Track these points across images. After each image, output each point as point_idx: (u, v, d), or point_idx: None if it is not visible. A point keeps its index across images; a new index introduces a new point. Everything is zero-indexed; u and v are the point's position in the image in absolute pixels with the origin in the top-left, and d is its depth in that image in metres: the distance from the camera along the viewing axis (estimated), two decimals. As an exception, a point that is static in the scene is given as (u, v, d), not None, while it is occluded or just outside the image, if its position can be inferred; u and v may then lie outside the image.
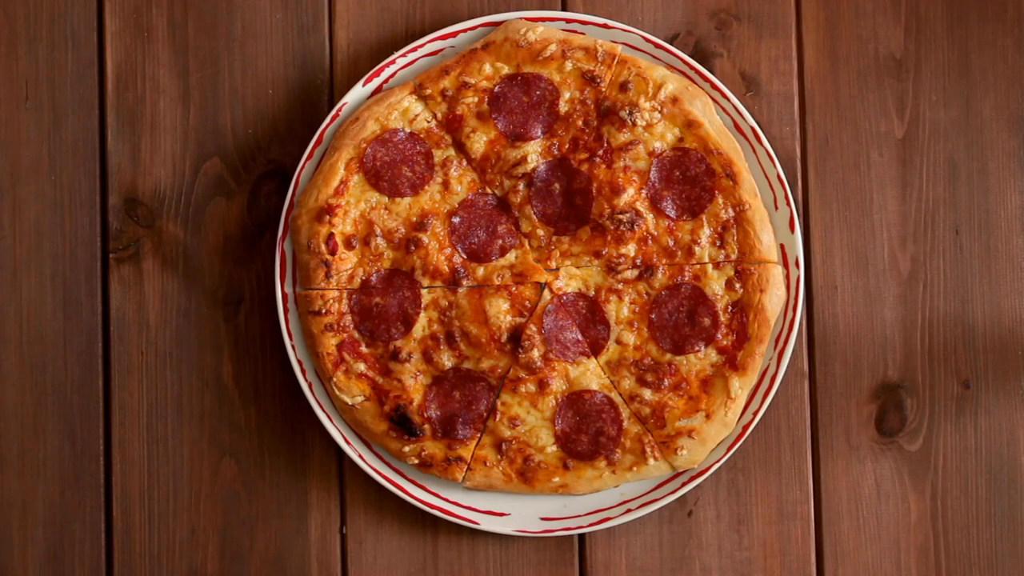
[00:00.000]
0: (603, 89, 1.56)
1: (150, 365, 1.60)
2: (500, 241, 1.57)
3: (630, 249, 1.55)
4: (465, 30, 1.58)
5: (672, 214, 1.56)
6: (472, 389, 1.56)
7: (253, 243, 1.61)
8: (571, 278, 1.56)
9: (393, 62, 1.58)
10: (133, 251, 1.61)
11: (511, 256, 1.57)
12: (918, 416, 1.59)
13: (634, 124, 1.55)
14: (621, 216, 1.55)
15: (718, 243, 1.55)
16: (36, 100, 1.62)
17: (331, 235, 1.54)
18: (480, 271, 1.56)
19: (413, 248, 1.55)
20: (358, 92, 1.58)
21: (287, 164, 1.61)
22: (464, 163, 1.57)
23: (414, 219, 1.56)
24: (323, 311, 1.55)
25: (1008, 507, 1.58)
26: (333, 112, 1.58)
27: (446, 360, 1.56)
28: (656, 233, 1.56)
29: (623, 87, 1.55)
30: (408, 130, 1.57)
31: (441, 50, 1.59)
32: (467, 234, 1.57)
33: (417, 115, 1.57)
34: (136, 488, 1.59)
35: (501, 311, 1.56)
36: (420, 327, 1.56)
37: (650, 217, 1.56)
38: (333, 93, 1.62)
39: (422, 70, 1.59)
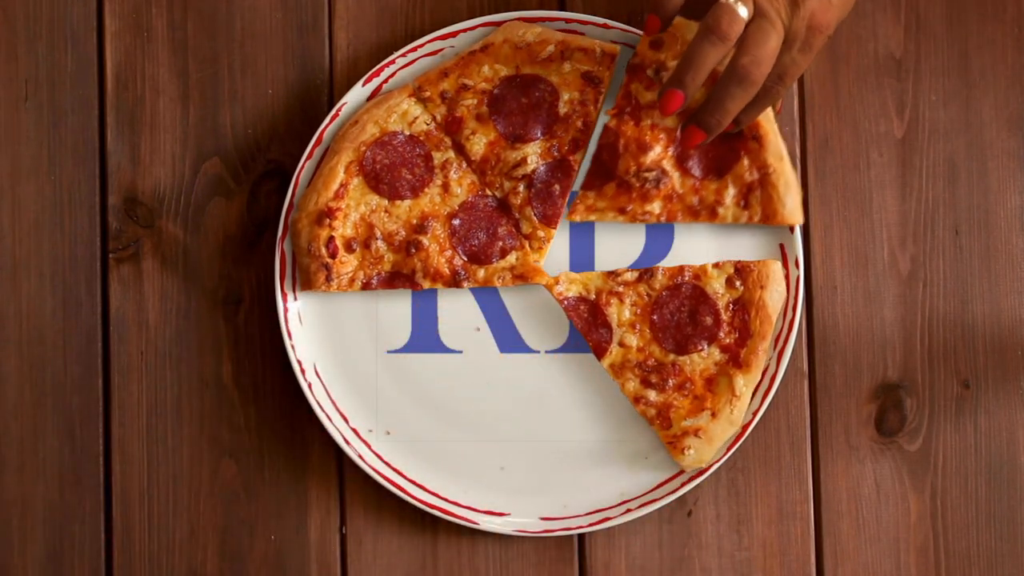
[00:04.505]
0: (602, 90, 1.56)
1: (150, 365, 1.60)
2: (500, 243, 1.56)
3: (655, 207, 1.54)
4: (465, 30, 1.58)
5: (698, 173, 1.54)
6: (473, 389, 1.57)
7: (253, 243, 1.61)
8: (571, 283, 1.56)
9: (393, 62, 1.58)
10: (133, 251, 1.61)
11: (511, 258, 1.56)
12: (918, 416, 1.59)
13: (661, 83, 1.53)
14: (647, 174, 1.53)
15: (742, 203, 1.54)
16: (36, 100, 1.62)
17: (331, 238, 1.54)
18: (481, 273, 1.56)
19: (413, 250, 1.55)
20: (358, 92, 1.58)
21: (287, 164, 1.61)
22: (464, 165, 1.57)
23: (414, 221, 1.56)
24: (323, 312, 1.56)
25: (1008, 507, 1.58)
26: (333, 112, 1.57)
27: (446, 361, 1.57)
28: (681, 191, 1.54)
29: (655, 45, 1.53)
30: (407, 133, 1.57)
31: (441, 50, 1.59)
32: (467, 236, 1.56)
33: (416, 118, 1.57)
34: (136, 488, 1.59)
35: (501, 312, 1.57)
36: (420, 328, 1.57)
37: (676, 175, 1.55)
38: (333, 93, 1.62)
39: (422, 70, 1.58)
